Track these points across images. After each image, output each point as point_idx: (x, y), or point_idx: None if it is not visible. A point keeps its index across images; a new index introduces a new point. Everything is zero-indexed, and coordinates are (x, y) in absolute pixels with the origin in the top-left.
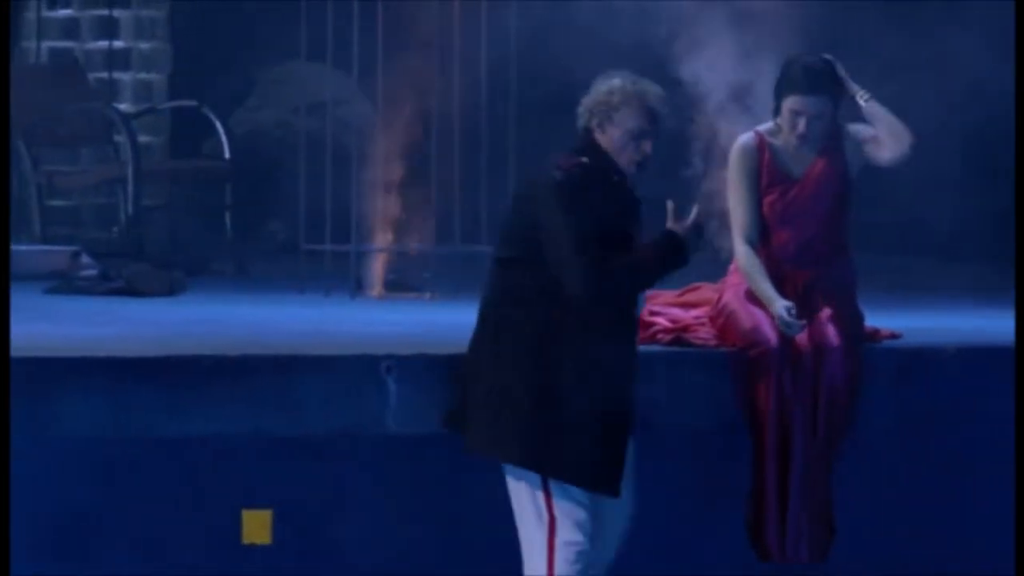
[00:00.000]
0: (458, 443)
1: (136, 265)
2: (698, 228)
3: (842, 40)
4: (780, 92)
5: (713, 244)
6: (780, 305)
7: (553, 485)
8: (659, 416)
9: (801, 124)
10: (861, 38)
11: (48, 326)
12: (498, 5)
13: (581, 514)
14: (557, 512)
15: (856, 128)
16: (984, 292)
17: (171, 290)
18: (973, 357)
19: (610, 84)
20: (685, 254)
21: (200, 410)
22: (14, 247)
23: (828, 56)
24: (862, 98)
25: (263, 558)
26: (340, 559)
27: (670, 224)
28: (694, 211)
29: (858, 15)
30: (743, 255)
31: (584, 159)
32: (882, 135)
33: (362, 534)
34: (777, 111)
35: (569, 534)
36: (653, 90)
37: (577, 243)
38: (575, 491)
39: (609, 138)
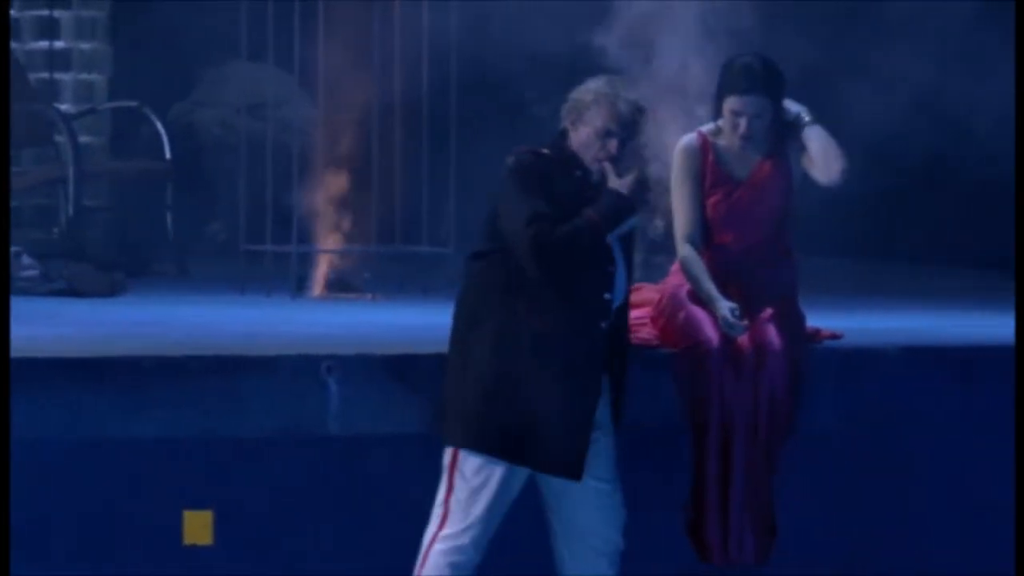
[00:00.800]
0: (398, 443)
1: (77, 266)
2: (641, 183)
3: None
4: (720, 93)
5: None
6: (723, 306)
7: (459, 480)
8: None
9: (742, 124)
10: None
11: None
12: (438, 5)
13: (478, 524)
14: (453, 506)
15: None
16: (924, 293)
17: (112, 291)
18: (915, 357)
19: (588, 85)
20: (629, 208)
21: (141, 411)
22: None
23: (765, 56)
24: (804, 119)
25: (205, 559)
26: (282, 560)
27: (611, 182)
28: (635, 171)
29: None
30: (685, 256)
31: (544, 150)
32: (816, 158)
33: (303, 535)
34: (718, 112)
35: (454, 530)
36: (626, 95)
37: (527, 217)
38: (484, 496)
39: (579, 136)
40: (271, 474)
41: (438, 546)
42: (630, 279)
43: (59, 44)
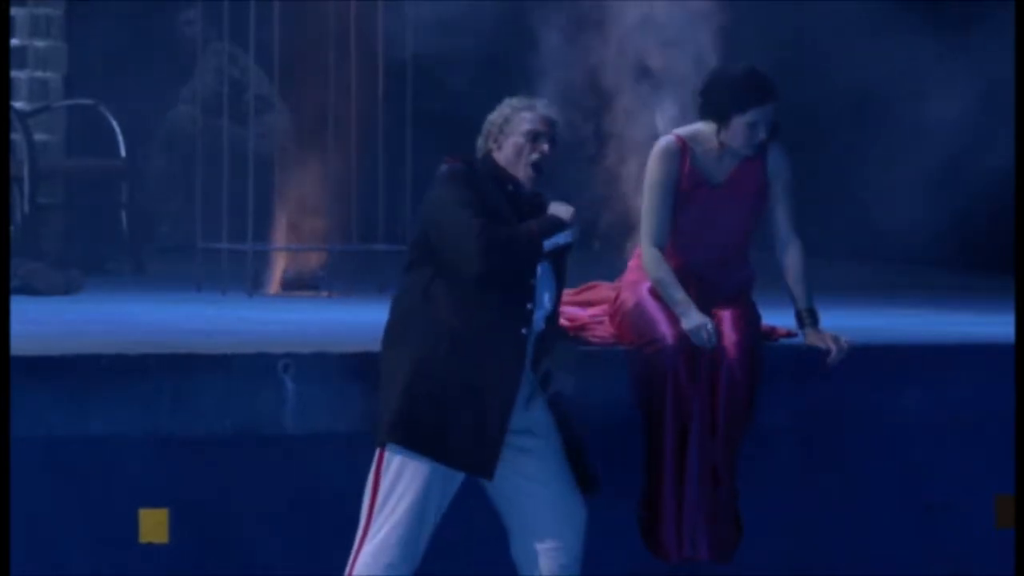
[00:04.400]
0: (354, 442)
1: (32, 264)
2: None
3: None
4: (739, 105)
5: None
6: (695, 319)
7: (383, 480)
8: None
9: (761, 132)
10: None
11: None
12: (393, 6)
13: (403, 524)
14: (378, 507)
15: None
16: (878, 291)
17: (67, 289)
18: (868, 355)
19: (501, 106)
20: (569, 228)
21: (97, 409)
22: None
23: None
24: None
25: (160, 557)
26: (237, 558)
27: (552, 208)
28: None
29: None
30: (651, 260)
31: (477, 157)
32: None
33: (259, 533)
34: (722, 121)
35: (381, 530)
36: (544, 102)
37: (471, 216)
38: (408, 495)
39: (505, 151)
40: (227, 472)
41: (366, 547)
42: (559, 290)
43: (14, 42)
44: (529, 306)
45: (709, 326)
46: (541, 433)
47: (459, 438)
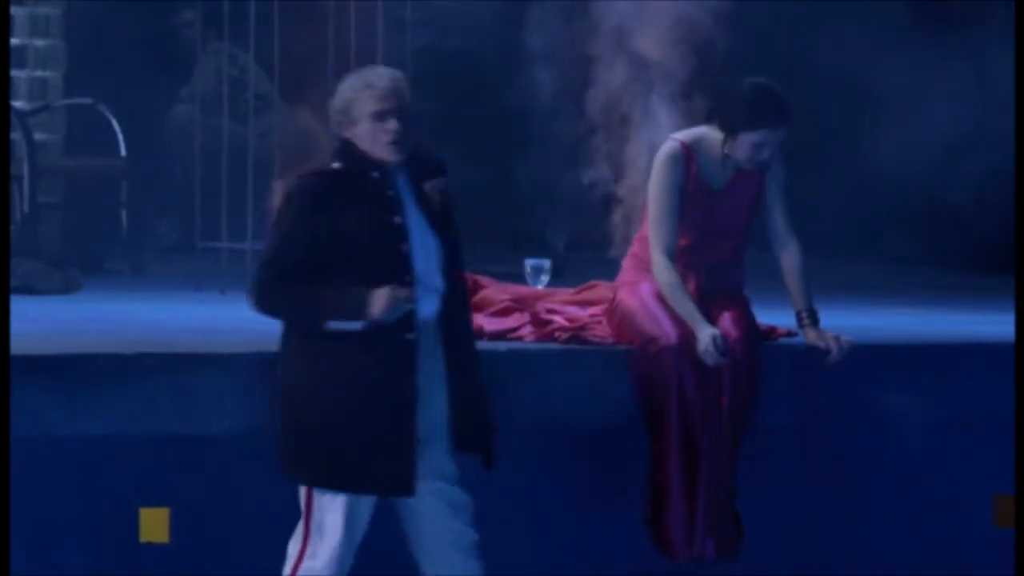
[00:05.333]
0: None
1: (31, 263)
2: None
3: None
4: (750, 124)
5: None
6: (706, 333)
7: (314, 505)
8: (557, 415)
9: (765, 153)
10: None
11: None
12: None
13: (340, 544)
14: (312, 529)
15: None
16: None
17: (67, 288)
18: (867, 354)
19: (341, 87)
20: (361, 311)
21: (96, 408)
22: None
23: (771, 81)
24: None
25: (161, 557)
26: (238, 558)
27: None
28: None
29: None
30: (663, 269)
31: (336, 164)
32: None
33: (259, 533)
34: (731, 134)
35: (318, 552)
36: (379, 72)
37: (263, 257)
38: (339, 521)
39: (358, 135)
40: (227, 471)
41: (304, 564)
42: (456, 274)
43: (13, 41)
44: (410, 308)
45: (718, 339)
46: (435, 438)
47: (370, 465)
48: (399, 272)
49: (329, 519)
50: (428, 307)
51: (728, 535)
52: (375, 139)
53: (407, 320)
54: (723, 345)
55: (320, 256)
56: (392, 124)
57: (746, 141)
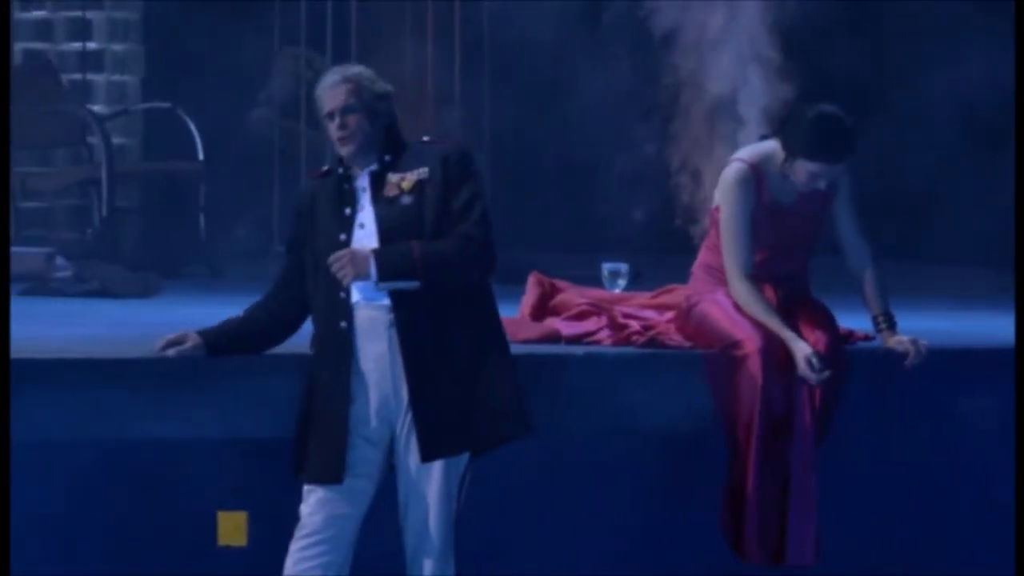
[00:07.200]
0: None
1: (110, 267)
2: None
3: None
4: (809, 153)
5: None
6: (802, 351)
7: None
8: (634, 419)
9: (821, 183)
10: None
11: (22, 327)
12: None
13: (305, 519)
14: (302, 513)
15: None
16: (953, 293)
17: (145, 292)
18: (946, 357)
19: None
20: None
21: (174, 412)
22: None
23: (840, 112)
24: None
25: (238, 560)
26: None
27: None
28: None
29: None
30: (746, 294)
31: (325, 167)
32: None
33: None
34: (790, 156)
35: (306, 534)
36: (326, 74)
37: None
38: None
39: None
40: None
41: (294, 546)
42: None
43: (92, 45)
44: (343, 295)
45: (813, 358)
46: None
47: (310, 453)
48: (331, 277)
49: (302, 510)
50: (367, 295)
51: (807, 538)
52: (333, 139)
53: (341, 308)
54: (820, 363)
55: (299, 258)
56: (336, 123)
57: (802, 169)
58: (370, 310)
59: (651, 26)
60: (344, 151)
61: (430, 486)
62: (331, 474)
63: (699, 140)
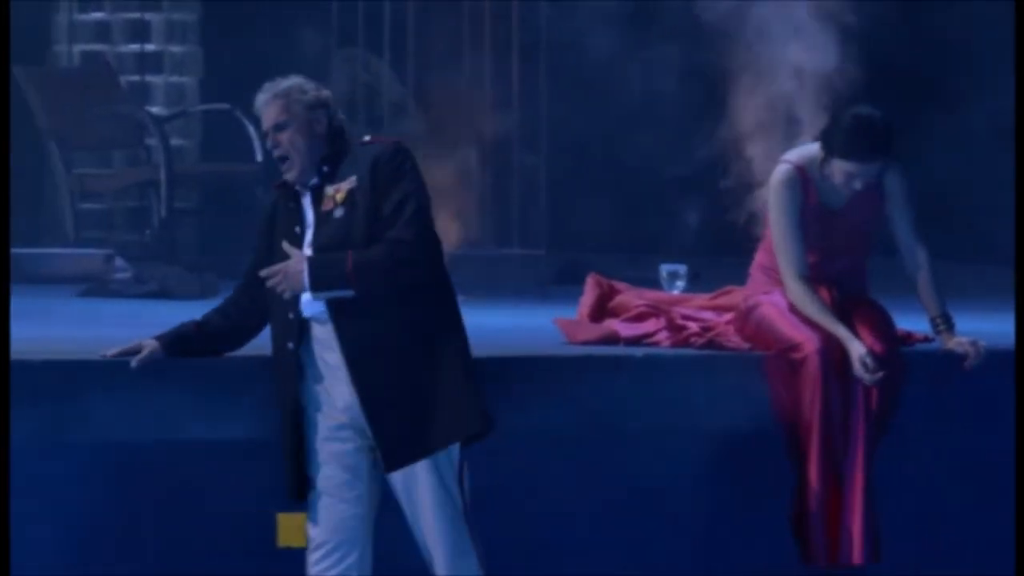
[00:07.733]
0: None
1: (169, 268)
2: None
3: None
4: (843, 152)
5: None
6: (856, 355)
7: None
8: (694, 420)
9: (857, 184)
10: None
11: (82, 329)
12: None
13: (311, 532)
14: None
15: None
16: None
17: (203, 293)
18: (1005, 358)
19: None
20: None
21: (232, 412)
22: (48, 250)
23: (881, 113)
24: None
25: (298, 561)
26: (376, 561)
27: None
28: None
29: None
30: (799, 294)
31: (281, 180)
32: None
33: (397, 535)
34: (827, 155)
35: (318, 543)
36: (262, 89)
37: None
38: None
39: None
40: None
41: (309, 558)
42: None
43: (150, 47)
44: (291, 315)
45: (867, 359)
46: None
47: (285, 469)
48: (280, 299)
49: (307, 526)
50: (311, 310)
51: (868, 539)
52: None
53: (290, 329)
54: (874, 363)
55: (260, 267)
56: (270, 142)
57: (838, 168)
58: (324, 323)
59: (704, 24)
60: (288, 176)
61: (420, 489)
62: (293, 491)
63: (755, 139)
